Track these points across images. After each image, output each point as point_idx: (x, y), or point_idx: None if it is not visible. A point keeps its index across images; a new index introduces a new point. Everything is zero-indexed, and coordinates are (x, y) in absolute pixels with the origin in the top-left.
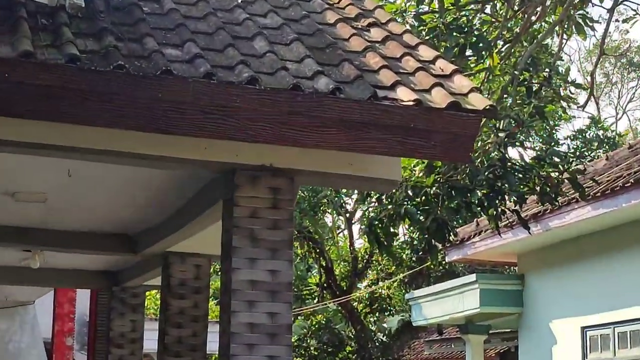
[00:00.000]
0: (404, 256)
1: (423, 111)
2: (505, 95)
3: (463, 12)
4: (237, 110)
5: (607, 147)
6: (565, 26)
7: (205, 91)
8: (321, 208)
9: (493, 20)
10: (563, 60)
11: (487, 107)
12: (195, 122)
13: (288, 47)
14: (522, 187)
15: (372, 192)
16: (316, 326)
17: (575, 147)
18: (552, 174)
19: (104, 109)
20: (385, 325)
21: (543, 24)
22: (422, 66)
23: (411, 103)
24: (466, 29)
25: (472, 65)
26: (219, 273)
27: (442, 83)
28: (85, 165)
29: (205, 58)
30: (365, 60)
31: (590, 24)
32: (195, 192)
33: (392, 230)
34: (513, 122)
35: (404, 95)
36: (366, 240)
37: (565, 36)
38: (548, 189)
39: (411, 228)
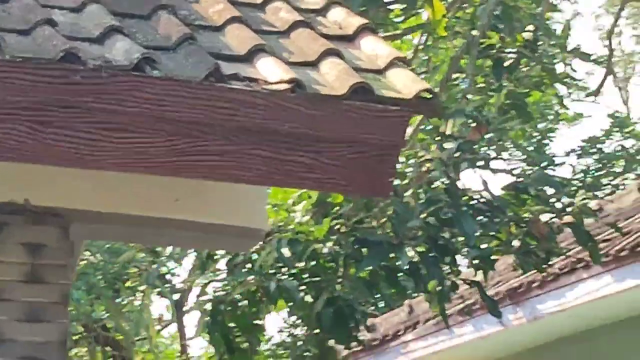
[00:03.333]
0: None
1: (305, 101)
2: (456, 74)
3: None
4: None
5: None
6: None
7: None
8: (127, 284)
9: None
10: (560, 12)
11: (423, 95)
12: None
13: None
14: (488, 240)
15: (219, 251)
16: None
17: (584, 168)
18: (542, 217)
19: None
20: None
21: None
22: (303, 19)
23: (284, 86)
24: None
25: (396, 20)
26: None
27: (340, 50)
28: None
29: None
30: (200, 7)
31: None
32: None
33: (254, 321)
34: (471, 122)
35: (271, 71)
36: (209, 340)
37: None
38: (535, 243)
39: (291, 317)
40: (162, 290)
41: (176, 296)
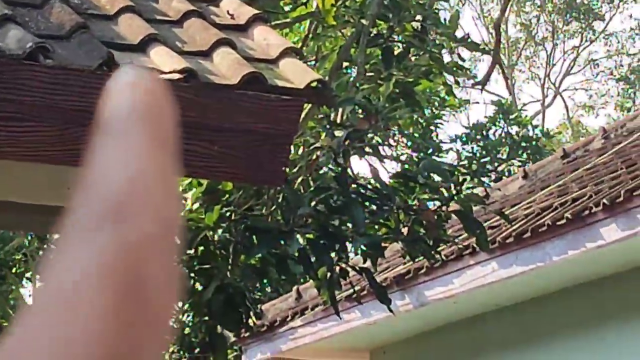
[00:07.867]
0: (168, 357)
1: (198, 91)
2: (345, 64)
3: None
4: None
5: (525, 155)
6: None
7: None
8: (15, 271)
9: None
10: (447, 1)
11: (314, 85)
12: None
13: None
14: (376, 227)
15: None
16: None
17: (469, 155)
18: (430, 204)
19: None
20: None
21: None
22: (195, 9)
23: (177, 76)
24: None
25: (286, 9)
26: None
27: (233, 40)
28: None
29: None
30: None
31: None
32: None
33: None
34: (360, 111)
35: (164, 61)
36: None
37: None
38: (422, 230)
39: (181, 303)
40: None
41: None
